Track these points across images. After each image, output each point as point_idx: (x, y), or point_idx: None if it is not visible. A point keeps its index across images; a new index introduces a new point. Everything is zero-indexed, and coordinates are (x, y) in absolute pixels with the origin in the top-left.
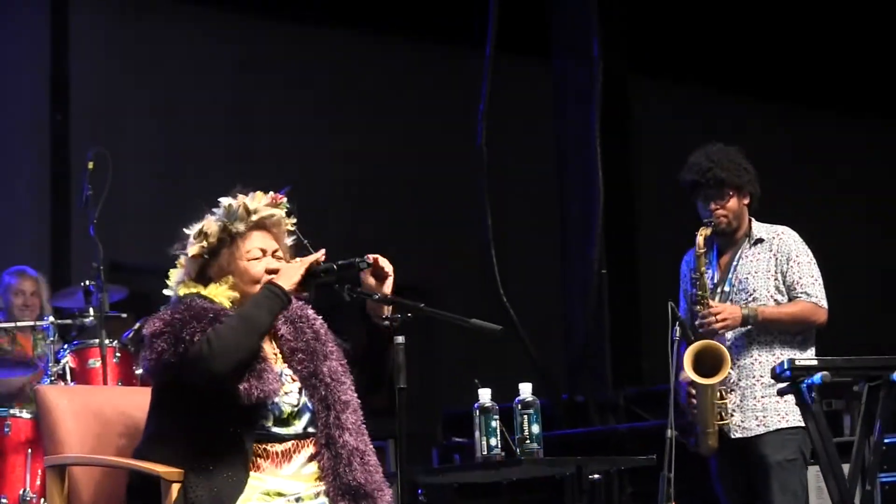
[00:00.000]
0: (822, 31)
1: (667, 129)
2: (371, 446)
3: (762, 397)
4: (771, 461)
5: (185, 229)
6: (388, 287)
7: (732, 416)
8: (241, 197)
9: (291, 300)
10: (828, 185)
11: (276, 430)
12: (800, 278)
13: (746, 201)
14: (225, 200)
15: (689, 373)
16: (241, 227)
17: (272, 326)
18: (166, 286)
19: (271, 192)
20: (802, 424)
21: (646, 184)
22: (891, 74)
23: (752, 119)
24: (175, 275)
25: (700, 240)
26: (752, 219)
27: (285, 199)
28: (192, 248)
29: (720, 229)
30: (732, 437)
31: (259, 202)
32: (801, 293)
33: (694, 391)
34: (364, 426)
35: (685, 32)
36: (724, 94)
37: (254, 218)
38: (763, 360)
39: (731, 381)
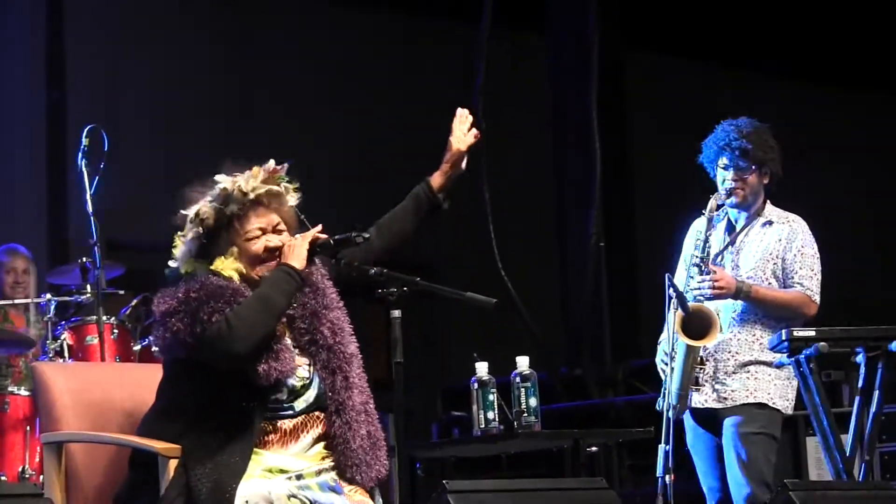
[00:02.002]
0: (824, 5)
1: (664, 102)
2: (370, 394)
3: (733, 373)
4: (736, 433)
5: (181, 211)
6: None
7: (703, 386)
8: (236, 176)
9: (305, 280)
10: (833, 160)
11: (289, 403)
12: (800, 268)
13: (766, 181)
14: (220, 181)
15: (677, 333)
16: (236, 209)
17: (290, 303)
18: (164, 263)
19: (270, 163)
20: (769, 404)
21: (643, 157)
22: (891, 48)
23: (750, 93)
24: (177, 248)
25: (712, 203)
26: (768, 201)
27: (283, 170)
28: (189, 232)
29: (734, 202)
30: (699, 406)
31: (255, 180)
32: (797, 283)
33: (674, 353)
34: (364, 373)
35: (682, 6)
36: (722, 68)
37: (250, 197)
38: (742, 338)
39: (707, 352)
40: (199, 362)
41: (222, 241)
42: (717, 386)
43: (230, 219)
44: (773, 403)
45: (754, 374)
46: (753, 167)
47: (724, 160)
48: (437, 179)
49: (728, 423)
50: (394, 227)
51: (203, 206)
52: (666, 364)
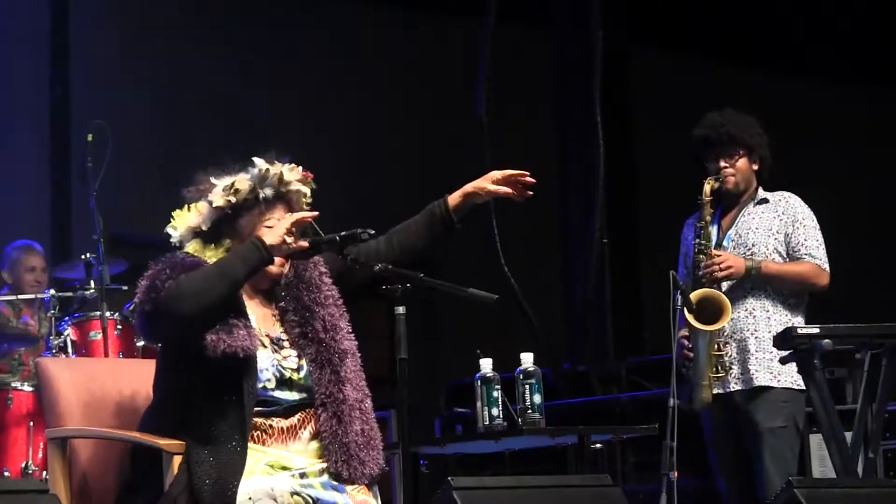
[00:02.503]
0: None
1: (668, 98)
2: (368, 392)
3: (755, 351)
4: (762, 428)
5: (211, 178)
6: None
7: (731, 368)
8: (277, 164)
9: (272, 257)
10: (835, 154)
11: (278, 393)
12: (805, 240)
13: (756, 166)
14: (261, 163)
15: (688, 319)
16: (269, 193)
17: (248, 279)
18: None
19: (300, 168)
20: (794, 387)
21: (647, 153)
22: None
23: (753, 88)
24: (184, 218)
25: (707, 188)
26: (760, 187)
27: (311, 178)
28: (218, 200)
29: (726, 188)
30: (728, 390)
31: (294, 175)
32: (806, 255)
33: (689, 344)
34: (362, 371)
35: (686, 1)
36: (725, 64)
37: (283, 189)
38: (757, 315)
39: (724, 333)
40: (183, 350)
41: (243, 220)
42: (738, 368)
43: (259, 202)
44: (797, 384)
45: (776, 356)
46: (742, 151)
47: (712, 148)
48: (455, 199)
49: (754, 417)
50: (405, 239)
51: (240, 178)
52: (688, 361)
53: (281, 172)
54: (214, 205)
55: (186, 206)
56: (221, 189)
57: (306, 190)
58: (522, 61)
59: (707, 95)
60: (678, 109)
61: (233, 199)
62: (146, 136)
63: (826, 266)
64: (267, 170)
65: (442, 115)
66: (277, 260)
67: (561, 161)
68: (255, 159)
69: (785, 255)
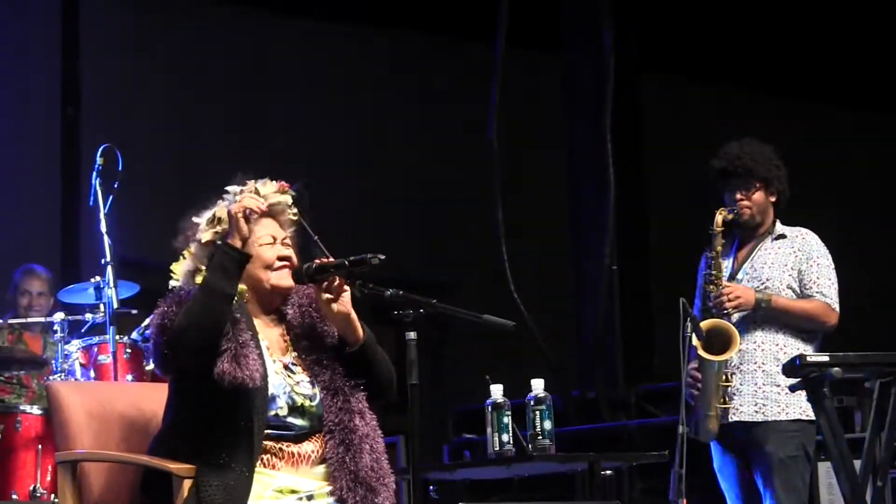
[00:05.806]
0: (838, 27)
1: (679, 124)
2: (378, 429)
3: (763, 384)
4: (773, 458)
5: (193, 218)
6: (345, 303)
7: (732, 399)
8: (250, 183)
9: (244, 253)
10: (844, 183)
11: (290, 420)
12: (818, 278)
13: (773, 199)
14: (233, 188)
15: (697, 349)
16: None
17: (235, 285)
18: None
19: (277, 181)
20: (803, 417)
21: (657, 179)
22: None
23: (764, 115)
24: (180, 266)
25: (718, 219)
26: (778, 220)
27: (290, 188)
28: (206, 234)
29: (742, 220)
30: (729, 420)
31: (268, 188)
32: (817, 293)
33: (699, 374)
34: (369, 409)
35: (696, 27)
36: (736, 90)
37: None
38: (767, 348)
39: (733, 364)
40: (194, 377)
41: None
42: (745, 398)
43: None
44: (806, 415)
45: (785, 388)
46: (758, 185)
47: (729, 180)
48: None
49: (765, 447)
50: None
51: (219, 208)
52: (696, 390)
53: (255, 189)
54: (203, 241)
55: (181, 256)
56: (205, 224)
57: (286, 200)
58: (534, 86)
59: (718, 121)
60: (689, 135)
61: (219, 230)
62: (156, 160)
63: (836, 306)
64: (241, 191)
65: (455, 139)
66: (283, 273)
67: (571, 186)
68: (228, 187)
69: (798, 292)
